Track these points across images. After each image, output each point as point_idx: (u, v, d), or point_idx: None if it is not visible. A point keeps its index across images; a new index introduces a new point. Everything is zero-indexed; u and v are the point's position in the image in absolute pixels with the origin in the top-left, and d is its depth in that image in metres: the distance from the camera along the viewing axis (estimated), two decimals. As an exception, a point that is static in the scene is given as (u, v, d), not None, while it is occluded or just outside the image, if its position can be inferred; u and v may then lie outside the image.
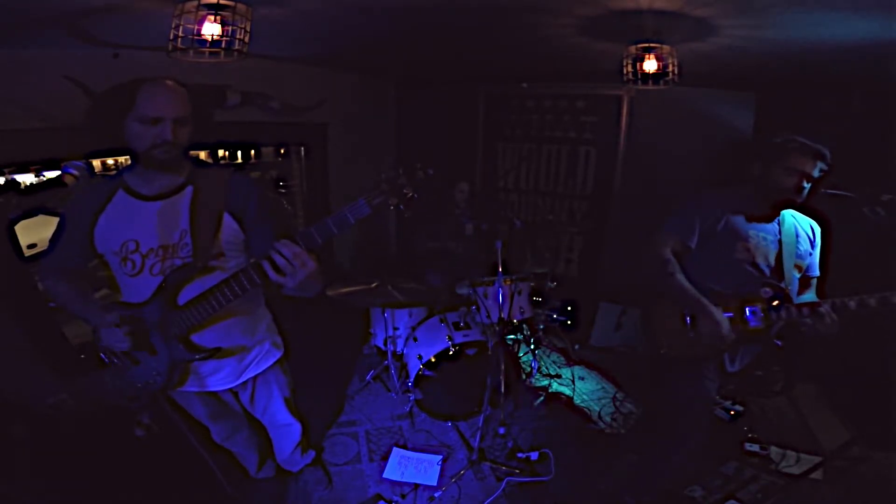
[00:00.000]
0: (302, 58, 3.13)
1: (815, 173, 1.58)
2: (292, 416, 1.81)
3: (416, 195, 1.12)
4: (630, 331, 3.53)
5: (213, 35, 1.52)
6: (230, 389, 1.60)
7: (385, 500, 2.12)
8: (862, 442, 2.28)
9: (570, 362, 3.35)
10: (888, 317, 1.45)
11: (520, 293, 2.81)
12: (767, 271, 1.70)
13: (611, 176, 3.81)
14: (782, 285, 1.66)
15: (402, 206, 1.12)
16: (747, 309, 1.66)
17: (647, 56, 2.08)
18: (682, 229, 1.76)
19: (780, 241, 1.70)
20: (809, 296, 1.74)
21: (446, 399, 2.63)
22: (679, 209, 1.81)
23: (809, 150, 1.57)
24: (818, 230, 1.76)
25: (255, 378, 1.62)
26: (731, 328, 1.63)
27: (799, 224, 1.74)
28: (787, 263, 1.68)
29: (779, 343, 1.68)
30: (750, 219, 1.71)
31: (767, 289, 1.65)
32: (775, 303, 1.64)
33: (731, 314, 1.67)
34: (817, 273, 1.77)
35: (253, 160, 3.57)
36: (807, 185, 1.59)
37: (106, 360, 1.45)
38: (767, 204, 1.69)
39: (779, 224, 1.71)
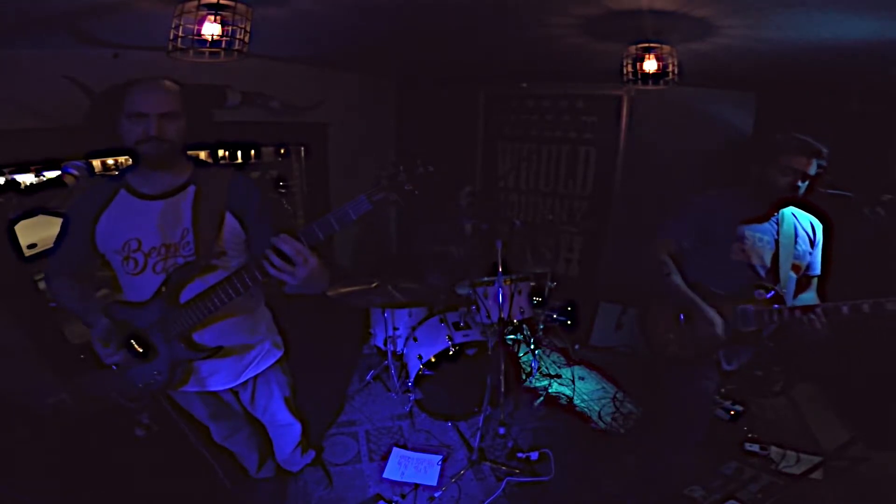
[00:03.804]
0: (302, 58, 3.13)
1: (812, 170, 1.57)
2: (292, 415, 1.81)
3: (416, 191, 1.11)
4: (630, 331, 3.53)
5: (213, 35, 1.52)
6: (230, 389, 1.60)
7: (385, 500, 2.12)
8: (862, 442, 2.27)
9: (570, 362, 3.35)
10: (885, 320, 1.44)
11: (520, 293, 2.81)
12: (763, 272, 1.69)
13: (611, 176, 3.81)
14: (777, 287, 1.65)
15: (402, 202, 1.12)
16: (740, 310, 1.66)
17: (647, 56, 2.08)
18: (677, 232, 1.79)
19: (777, 242, 1.69)
20: (810, 295, 1.73)
21: (446, 399, 2.63)
22: (676, 212, 1.82)
23: (805, 148, 1.56)
24: (819, 228, 1.75)
25: (255, 378, 1.62)
26: (725, 327, 1.64)
27: (799, 223, 1.72)
28: (784, 264, 1.68)
29: (771, 345, 1.68)
30: (746, 220, 1.70)
31: (760, 290, 1.65)
32: (768, 304, 1.63)
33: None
34: (818, 272, 1.76)
35: (253, 160, 3.57)
36: (803, 183, 1.58)
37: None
38: (766, 203, 1.68)
39: (777, 223, 1.70)
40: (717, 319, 1.64)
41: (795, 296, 1.74)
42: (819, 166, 1.57)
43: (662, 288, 1.77)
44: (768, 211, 1.70)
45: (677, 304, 1.76)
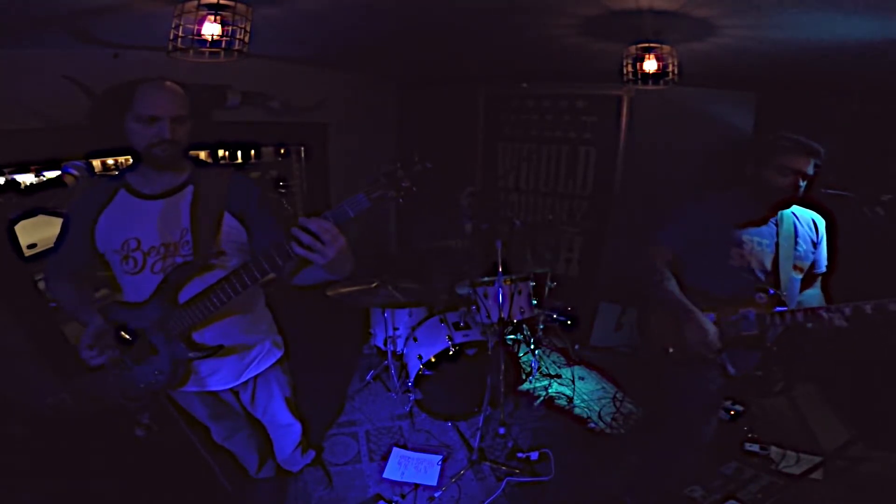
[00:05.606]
0: (302, 58, 3.13)
1: (810, 170, 1.54)
2: (293, 415, 1.81)
3: (414, 187, 1.11)
4: (630, 331, 3.53)
5: (213, 35, 1.52)
6: (230, 389, 1.60)
7: (385, 500, 2.12)
8: (862, 442, 2.27)
9: (570, 362, 3.35)
10: (887, 321, 1.43)
11: (520, 293, 2.81)
12: (762, 276, 1.65)
13: (611, 176, 3.81)
14: (778, 291, 1.62)
15: (400, 199, 1.11)
16: (741, 314, 1.63)
17: (647, 56, 2.08)
18: (673, 239, 1.76)
19: (776, 244, 1.66)
20: (814, 292, 1.70)
21: (446, 399, 2.63)
22: (671, 218, 1.79)
23: (802, 148, 1.53)
24: (822, 224, 1.71)
25: (255, 378, 1.62)
26: (717, 335, 1.60)
27: (800, 222, 1.69)
28: (784, 267, 1.64)
29: (775, 349, 1.66)
30: (744, 224, 1.67)
31: (761, 294, 1.62)
32: (769, 308, 1.61)
33: (713, 317, 1.64)
34: (824, 269, 1.72)
35: (253, 160, 3.57)
36: (803, 183, 1.55)
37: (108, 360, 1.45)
38: (765, 205, 1.65)
39: (776, 225, 1.67)
40: (710, 327, 1.60)
41: (800, 292, 1.70)
42: (816, 165, 1.54)
43: (656, 295, 1.74)
44: (767, 213, 1.67)
45: (670, 310, 1.72)
